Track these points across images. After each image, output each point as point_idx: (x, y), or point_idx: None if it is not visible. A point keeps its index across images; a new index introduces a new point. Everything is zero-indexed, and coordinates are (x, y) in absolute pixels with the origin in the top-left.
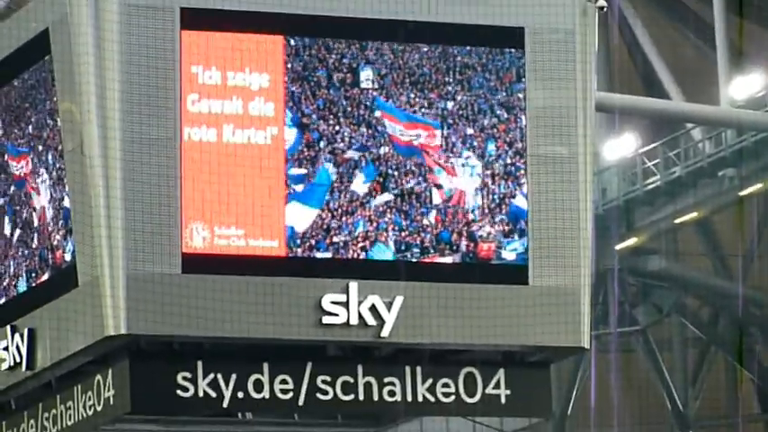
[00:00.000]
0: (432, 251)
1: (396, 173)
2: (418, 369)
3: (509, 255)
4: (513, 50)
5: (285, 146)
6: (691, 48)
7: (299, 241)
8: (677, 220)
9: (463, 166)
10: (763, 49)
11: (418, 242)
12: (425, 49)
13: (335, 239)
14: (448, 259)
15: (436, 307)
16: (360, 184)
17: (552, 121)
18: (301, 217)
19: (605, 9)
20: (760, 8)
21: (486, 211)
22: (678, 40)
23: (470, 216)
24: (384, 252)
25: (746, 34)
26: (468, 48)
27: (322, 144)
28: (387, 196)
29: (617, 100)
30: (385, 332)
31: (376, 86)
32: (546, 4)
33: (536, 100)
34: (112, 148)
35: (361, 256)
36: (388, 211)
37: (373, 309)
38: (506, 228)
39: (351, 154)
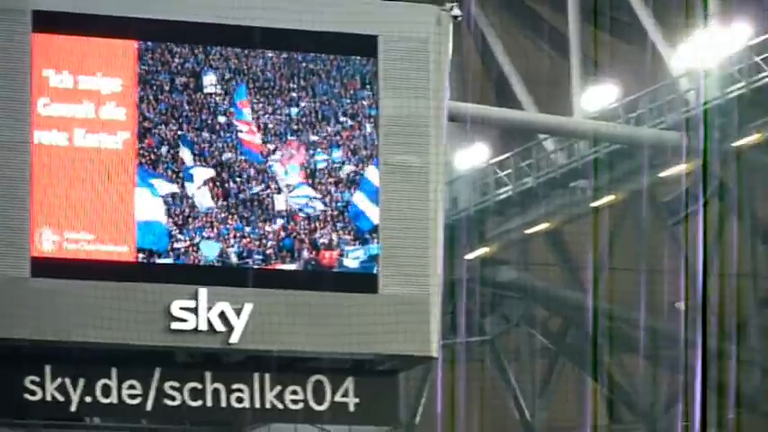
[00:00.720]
0: (274, 258)
1: (238, 179)
2: (267, 376)
3: (351, 263)
4: (358, 58)
5: (136, 151)
6: (545, 58)
7: (145, 247)
8: (528, 231)
9: (293, 173)
10: (617, 60)
11: (261, 249)
12: (270, 55)
13: (176, 245)
14: (291, 266)
15: (285, 314)
16: (200, 190)
17: (404, 129)
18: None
19: (459, 18)
20: (614, 19)
21: (329, 218)
22: (532, 50)
23: (312, 224)
24: (212, 249)
25: (600, 45)
26: (312, 54)
27: (164, 150)
28: (228, 202)
29: (469, 109)
30: (234, 339)
31: (220, 91)
32: (400, 12)
33: (388, 108)
34: None
35: (201, 261)
36: (230, 217)
37: (222, 315)
38: (349, 236)
39: (191, 159)
